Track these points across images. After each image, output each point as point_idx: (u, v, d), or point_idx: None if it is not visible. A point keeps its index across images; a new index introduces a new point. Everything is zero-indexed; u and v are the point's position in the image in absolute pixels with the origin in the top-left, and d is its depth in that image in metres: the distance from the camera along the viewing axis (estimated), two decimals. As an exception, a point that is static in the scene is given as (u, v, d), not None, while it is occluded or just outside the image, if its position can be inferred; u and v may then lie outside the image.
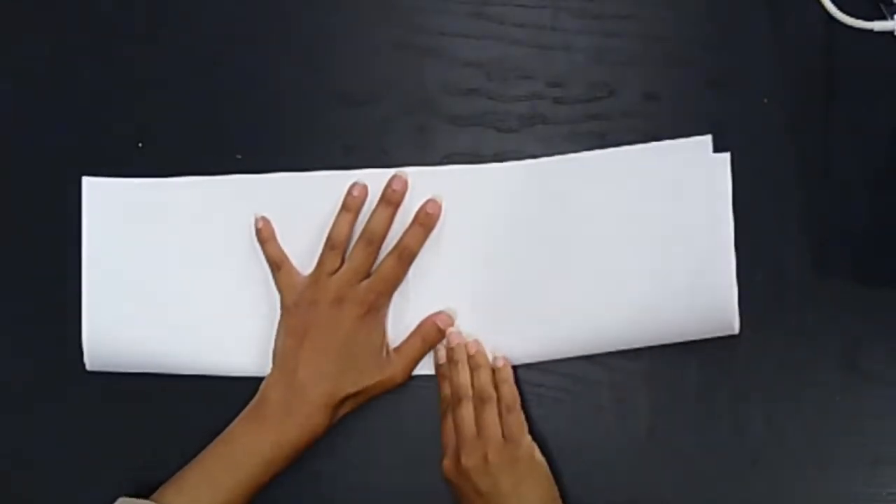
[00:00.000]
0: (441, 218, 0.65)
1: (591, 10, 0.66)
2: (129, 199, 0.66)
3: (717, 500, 0.64)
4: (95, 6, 0.68)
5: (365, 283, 0.63)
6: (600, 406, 0.65)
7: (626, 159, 0.64)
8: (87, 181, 0.66)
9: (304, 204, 0.65)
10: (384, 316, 0.65)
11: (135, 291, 0.66)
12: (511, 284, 0.65)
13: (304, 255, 0.65)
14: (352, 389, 0.63)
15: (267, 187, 0.66)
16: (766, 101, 0.65)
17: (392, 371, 0.64)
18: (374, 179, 0.65)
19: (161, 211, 0.66)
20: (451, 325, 0.65)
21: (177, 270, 0.66)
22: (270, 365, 0.64)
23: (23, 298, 0.67)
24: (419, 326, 0.65)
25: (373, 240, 0.64)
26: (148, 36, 0.67)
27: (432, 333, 0.65)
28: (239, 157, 0.66)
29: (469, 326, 0.65)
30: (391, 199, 0.64)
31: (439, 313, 0.65)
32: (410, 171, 0.65)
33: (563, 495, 0.63)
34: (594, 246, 0.64)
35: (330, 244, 0.64)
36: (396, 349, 0.65)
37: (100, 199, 0.66)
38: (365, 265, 0.64)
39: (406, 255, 0.64)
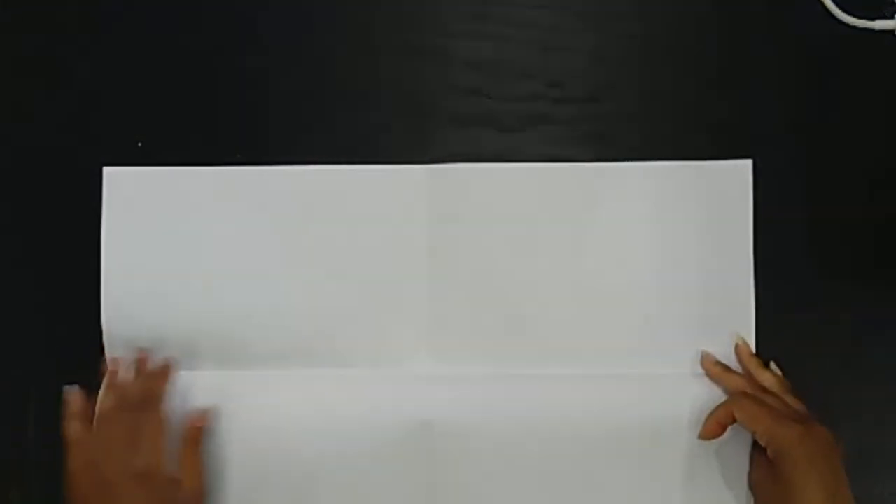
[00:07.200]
0: (442, 218, 0.65)
1: (591, 10, 0.66)
2: (149, 187, 0.66)
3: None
4: (95, 6, 0.68)
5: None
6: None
7: (655, 174, 0.65)
8: (107, 171, 0.66)
9: (326, 196, 0.65)
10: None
11: (153, 280, 0.66)
12: (509, 287, 0.65)
13: (308, 246, 0.65)
14: None
15: (286, 178, 0.66)
16: (766, 100, 0.65)
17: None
18: (374, 178, 0.65)
19: (180, 199, 0.66)
20: (205, 421, 0.63)
21: (195, 259, 0.66)
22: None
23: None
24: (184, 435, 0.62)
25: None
26: (148, 36, 0.67)
27: (195, 435, 0.62)
28: (239, 156, 0.66)
29: (466, 327, 0.65)
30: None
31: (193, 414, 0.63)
32: (410, 171, 0.66)
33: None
34: (599, 257, 0.65)
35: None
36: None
37: (120, 189, 0.66)
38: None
39: None
